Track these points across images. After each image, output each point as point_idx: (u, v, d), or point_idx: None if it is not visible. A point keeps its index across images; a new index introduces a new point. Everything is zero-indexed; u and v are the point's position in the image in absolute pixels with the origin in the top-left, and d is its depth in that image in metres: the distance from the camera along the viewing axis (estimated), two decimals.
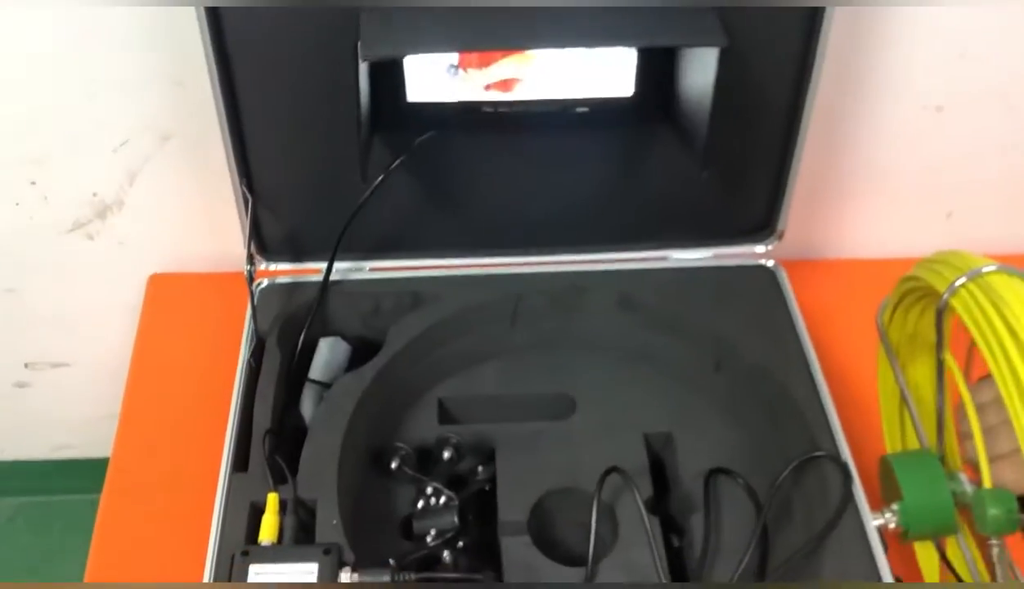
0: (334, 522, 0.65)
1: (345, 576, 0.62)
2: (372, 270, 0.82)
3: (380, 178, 0.74)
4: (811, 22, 0.69)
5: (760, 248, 0.80)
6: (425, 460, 0.76)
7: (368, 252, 0.81)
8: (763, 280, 0.81)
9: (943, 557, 0.71)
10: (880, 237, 0.99)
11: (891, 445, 0.81)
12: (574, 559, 0.71)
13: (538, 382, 0.81)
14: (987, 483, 0.60)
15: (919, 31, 0.84)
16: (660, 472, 0.78)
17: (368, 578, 0.62)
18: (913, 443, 0.77)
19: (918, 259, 0.68)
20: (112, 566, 0.77)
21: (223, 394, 0.75)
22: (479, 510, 0.75)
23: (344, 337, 0.79)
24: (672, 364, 0.80)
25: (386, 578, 0.62)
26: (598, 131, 0.74)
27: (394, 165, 0.74)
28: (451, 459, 0.74)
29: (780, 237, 0.80)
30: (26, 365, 1.15)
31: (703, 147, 0.67)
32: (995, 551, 0.60)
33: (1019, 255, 1.05)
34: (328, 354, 0.77)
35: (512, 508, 0.73)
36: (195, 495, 0.70)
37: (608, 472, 0.71)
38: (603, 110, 0.73)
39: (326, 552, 0.62)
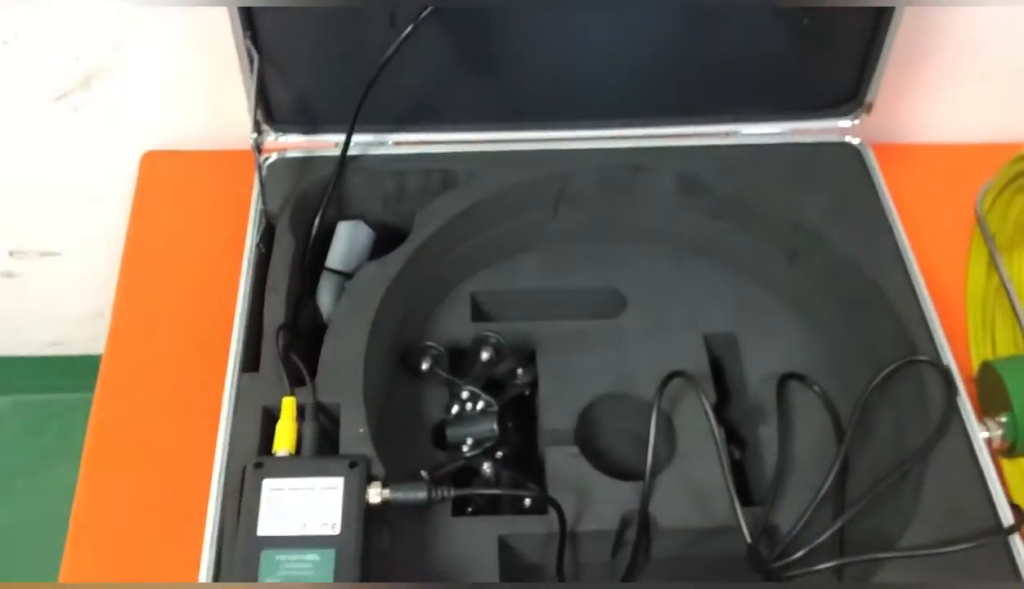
0: (360, 430, 0.57)
1: (374, 492, 0.54)
2: (396, 144, 0.71)
3: (408, 30, 0.62)
4: None
5: (845, 123, 0.70)
6: (458, 361, 0.67)
7: (392, 123, 0.70)
8: (847, 160, 0.70)
9: None
10: (977, 120, 0.88)
11: (977, 350, 0.72)
12: (625, 473, 0.63)
13: (584, 276, 0.72)
14: None
15: None
16: (719, 378, 0.69)
17: (401, 494, 0.54)
18: (1006, 349, 0.69)
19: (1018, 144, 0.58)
20: (106, 480, 0.69)
21: (228, 285, 0.66)
22: (517, 417, 0.67)
23: (364, 222, 0.69)
24: (738, 256, 0.71)
25: (422, 494, 0.54)
26: None
27: (423, 15, 0.62)
28: (490, 360, 0.65)
29: (868, 110, 0.69)
30: (11, 253, 1.05)
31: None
32: None
33: None
34: (348, 239, 0.67)
35: (556, 415, 0.65)
36: (199, 400, 0.61)
37: (671, 377, 0.62)
38: None
39: (352, 465, 0.54)
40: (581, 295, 0.72)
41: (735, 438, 0.67)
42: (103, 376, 0.76)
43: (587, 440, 0.65)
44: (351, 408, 0.57)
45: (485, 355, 0.65)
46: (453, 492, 0.56)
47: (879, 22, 0.64)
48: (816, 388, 0.65)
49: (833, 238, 0.65)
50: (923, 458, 0.55)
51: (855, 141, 0.71)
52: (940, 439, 0.56)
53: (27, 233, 1.03)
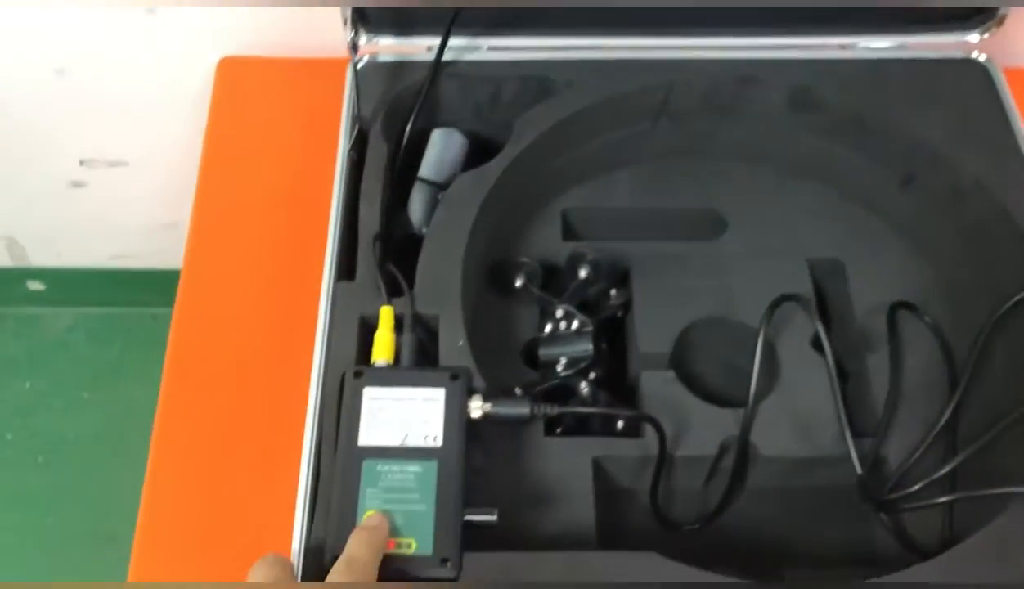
0: (460, 343, 0.55)
1: (476, 405, 0.52)
2: (491, 50, 0.68)
3: None
4: None
5: (972, 37, 0.65)
6: (549, 280, 0.65)
7: (488, 27, 0.67)
8: (973, 78, 0.66)
9: None
10: None
11: None
12: (721, 400, 0.61)
13: (682, 195, 0.69)
14: None
15: None
16: (821, 306, 0.66)
17: (503, 409, 0.52)
18: None
19: None
20: (189, 393, 0.67)
21: (313, 195, 0.64)
22: (609, 340, 0.64)
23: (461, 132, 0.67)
24: (847, 179, 0.67)
25: (524, 410, 0.52)
26: None
27: None
28: (587, 279, 0.62)
29: (1000, 23, 0.64)
30: (81, 162, 1.04)
31: None
32: None
33: None
34: (441, 147, 0.65)
35: (652, 338, 0.63)
36: (288, 311, 0.60)
37: (781, 300, 0.59)
38: None
39: (454, 377, 0.52)
40: (679, 215, 0.69)
41: (840, 369, 0.64)
42: (183, 289, 0.74)
43: (683, 365, 0.63)
44: (450, 320, 0.55)
45: (583, 273, 0.62)
46: (556, 409, 0.54)
47: None
48: (927, 319, 0.62)
49: (955, 160, 0.61)
50: None
51: (982, 58, 0.66)
52: None
53: (97, 142, 1.02)
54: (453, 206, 0.60)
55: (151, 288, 1.23)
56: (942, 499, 0.53)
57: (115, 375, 1.29)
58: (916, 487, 0.53)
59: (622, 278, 0.66)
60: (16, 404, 1.27)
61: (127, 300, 1.30)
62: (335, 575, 0.43)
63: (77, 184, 1.07)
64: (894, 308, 0.63)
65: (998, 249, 0.60)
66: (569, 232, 0.69)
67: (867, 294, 0.64)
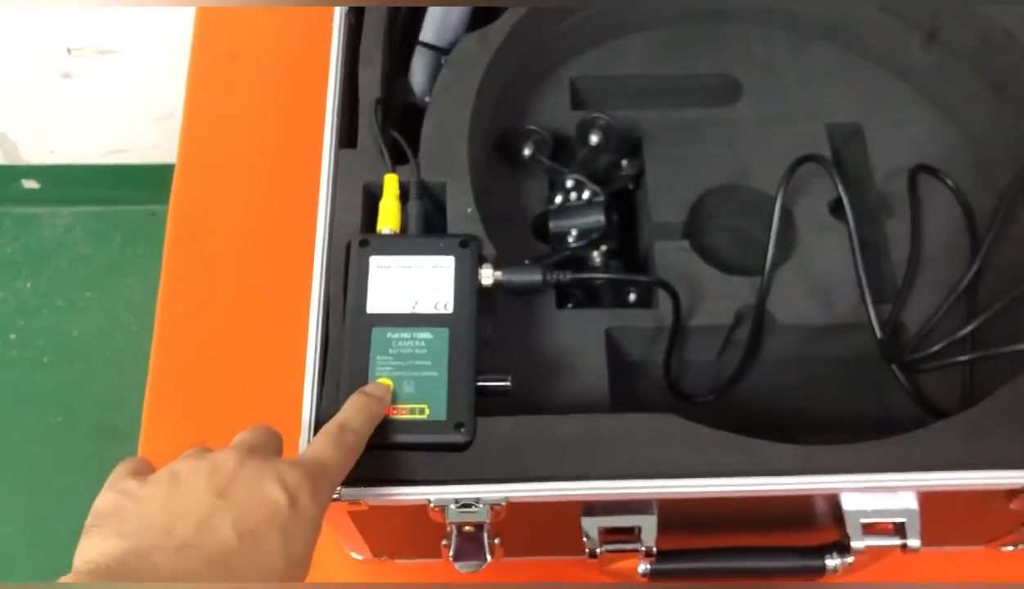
0: (468, 210, 0.53)
1: (487, 273, 0.50)
2: None
3: None
4: None
5: None
6: (559, 151, 0.63)
7: None
8: None
9: None
10: None
11: None
12: (737, 268, 0.59)
13: (694, 60, 0.66)
14: None
15: None
16: (841, 171, 0.64)
17: (515, 276, 0.51)
18: None
19: None
20: (189, 281, 0.66)
21: (311, 65, 0.61)
22: (621, 212, 0.62)
23: None
24: (866, 38, 0.64)
25: (536, 277, 0.51)
26: None
27: None
28: (598, 146, 0.60)
29: None
30: (68, 51, 1.01)
31: None
32: None
33: None
34: (443, 10, 0.61)
35: (665, 208, 0.61)
36: (290, 184, 0.58)
37: (801, 161, 0.57)
38: None
39: (463, 244, 0.51)
40: (691, 81, 0.66)
41: (863, 235, 0.62)
42: (180, 174, 0.71)
43: (697, 234, 0.62)
44: (457, 187, 0.53)
45: (594, 139, 0.60)
46: (570, 275, 0.52)
47: None
48: (949, 182, 0.60)
49: (984, 9, 0.58)
50: None
51: None
52: None
53: (84, 29, 0.98)
54: (457, 69, 0.57)
55: (148, 184, 1.21)
56: (963, 358, 0.52)
57: (115, 273, 1.28)
58: (937, 347, 0.52)
59: (634, 148, 0.64)
60: (18, 304, 1.26)
61: (124, 198, 1.28)
62: (325, 436, 0.42)
63: (66, 75, 1.04)
64: (914, 172, 0.61)
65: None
66: (578, 100, 0.66)
67: (887, 158, 0.62)
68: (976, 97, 0.61)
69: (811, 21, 0.65)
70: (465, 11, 0.61)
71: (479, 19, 0.61)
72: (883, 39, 0.64)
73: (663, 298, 0.56)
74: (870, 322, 0.55)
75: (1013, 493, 0.46)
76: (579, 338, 0.56)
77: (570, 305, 0.58)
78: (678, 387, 0.58)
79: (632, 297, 0.59)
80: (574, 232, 0.59)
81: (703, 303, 0.58)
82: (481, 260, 0.51)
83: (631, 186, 0.64)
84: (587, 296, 0.60)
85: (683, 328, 0.57)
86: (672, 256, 0.59)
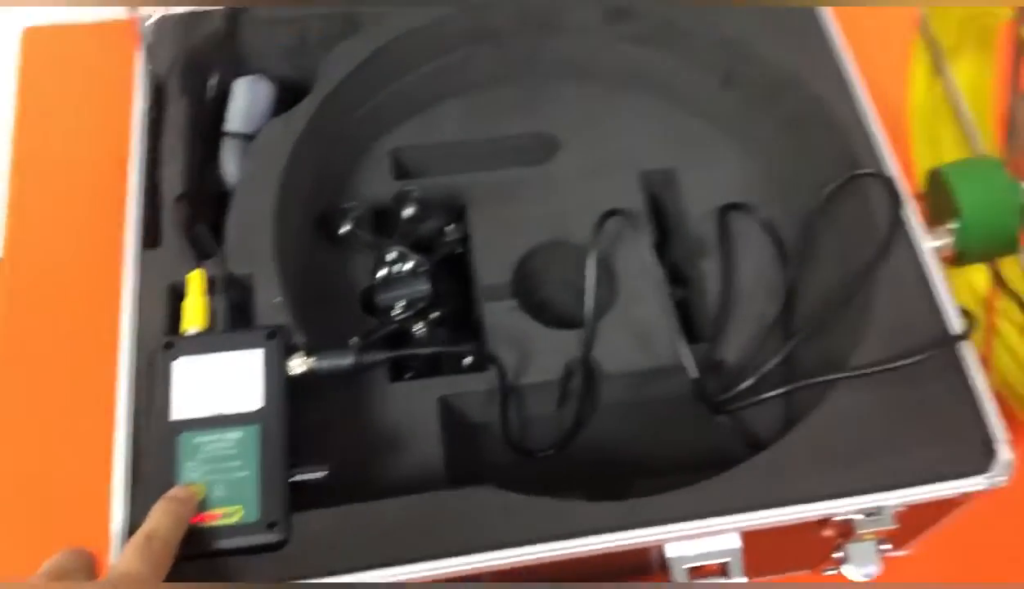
0: (276, 299, 0.52)
1: (297, 362, 0.50)
2: None
3: None
4: None
5: None
6: (383, 222, 0.63)
7: None
8: None
9: (997, 278, 0.61)
10: None
11: (922, 164, 0.69)
12: (568, 322, 0.60)
13: (511, 121, 0.67)
14: None
15: None
16: (660, 216, 0.66)
17: (325, 362, 0.51)
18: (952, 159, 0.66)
19: None
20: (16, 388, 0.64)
21: (120, 162, 0.60)
22: (451, 277, 0.63)
23: (265, 78, 0.64)
24: (671, 85, 0.66)
25: (348, 360, 0.51)
26: None
27: None
28: (414, 216, 0.61)
29: None
30: None
31: None
32: None
33: None
34: (247, 97, 0.61)
35: (492, 270, 0.62)
36: (100, 287, 0.57)
37: (608, 215, 0.58)
38: None
39: (270, 335, 0.50)
40: (510, 142, 0.67)
41: (680, 277, 0.64)
42: (4, 273, 0.70)
43: (526, 293, 0.62)
44: (265, 277, 0.53)
45: (408, 211, 0.60)
46: (382, 355, 0.53)
47: None
48: (758, 216, 0.63)
49: (766, 53, 0.61)
50: (870, 275, 0.53)
51: None
52: (887, 253, 0.53)
53: None
54: (260, 156, 0.57)
55: None
56: (773, 393, 0.53)
57: None
58: (748, 383, 0.53)
59: (459, 213, 0.64)
60: None
61: None
62: (132, 548, 0.41)
63: None
64: (724, 210, 0.63)
65: (815, 139, 0.60)
66: (402, 171, 0.66)
67: (701, 199, 0.64)
68: (772, 135, 0.63)
69: (619, 72, 0.67)
70: (270, 98, 0.61)
71: (291, 104, 0.62)
72: (687, 85, 0.66)
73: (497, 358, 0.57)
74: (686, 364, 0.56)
75: (823, 523, 0.48)
76: (412, 409, 0.56)
77: (408, 375, 0.58)
78: (518, 444, 0.58)
79: (467, 361, 0.60)
80: (401, 303, 0.59)
81: (533, 360, 0.58)
82: (292, 349, 0.51)
83: (459, 250, 0.64)
84: (426, 364, 0.60)
85: (517, 388, 0.57)
86: (502, 317, 0.60)
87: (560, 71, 0.67)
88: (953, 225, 0.55)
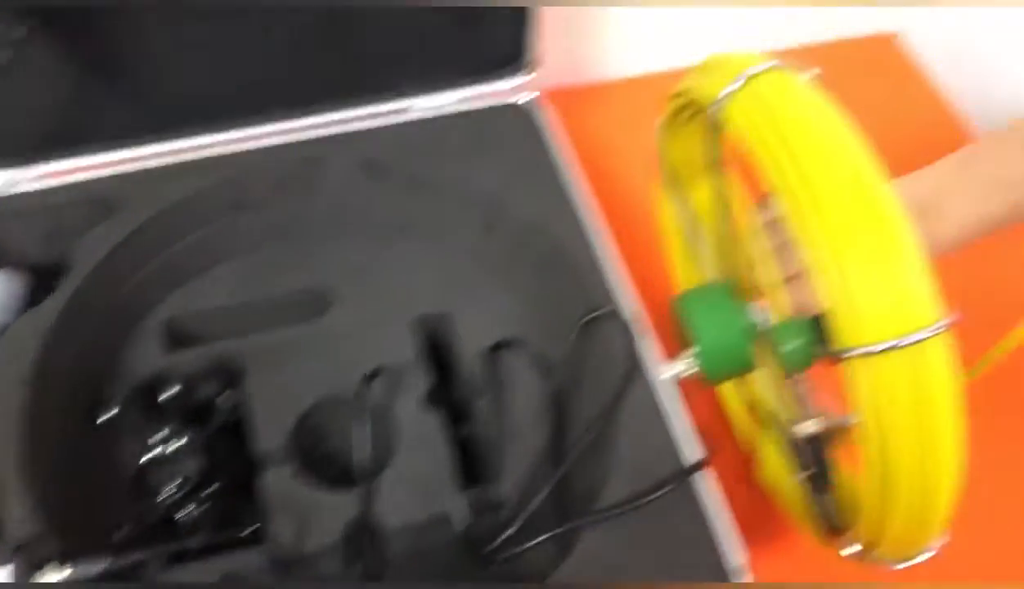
0: (21, 511, 0.51)
1: (50, 575, 0.49)
2: (41, 177, 0.64)
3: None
4: None
5: (515, 82, 0.68)
6: (153, 399, 0.62)
7: (31, 153, 0.63)
8: (522, 120, 0.69)
9: (742, 400, 0.65)
10: (659, 47, 0.90)
11: (687, 286, 0.74)
12: (350, 480, 0.61)
13: (284, 279, 0.68)
14: (778, 310, 0.54)
15: None
16: (439, 357, 0.68)
17: (80, 570, 0.50)
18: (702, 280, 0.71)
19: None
20: None
21: None
22: (231, 445, 0.63)
23: (20, 269, 0.63)
24: (438, 232, 0.69)
25: (97, 568, 0.50)
26: None
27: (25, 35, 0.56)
28: (179, 394, 0.61)
29: (535, 68, 0.68)
30: None
31: None
32: (798, 387, 0.54)
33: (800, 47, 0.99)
34: None
35: (270, 434, 0.62)
36: None
37: (372, 376, 0.60)
38: None
39: (17, 549, 0.49)
40: (283, 301, 0.68)
41: (464, 417, 0.66)
42: None
43: (305, 455, 0.62)
44: (13, 483, 0.52)
45: (173, 390, 0.60)
46: (144, 554, 0.52)
47: None
48: (527, 354, 0.65)
49: (514, 204, 0.65)
50: (612, 413, 0.56)
51: (526, 99, 0.69)
52: (626, 390, 0.57)
53: None
54: (6, 354, 0.56)
55: None
56: (530, 544, 0.54)
57: None
58: (510, 532, 0.55)
59: (234, 378, 0.65)
60: None
61: None
62: None
63: None
64: (494, 348, 0.65)
65: (563, 282, 0.64)
66: (176, 341, 0.66)
67: (475, 339, 0.66)
68: (532, 276, 0.66)
69: (387, 225, 0.69)
70: (21, 291, 0.61)
71: (48, 290, 0.61)
72: (453, 232, 0.69)
73: (275, 527, 0.57)
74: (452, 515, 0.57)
75: None
76: None
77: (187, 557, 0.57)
78: None
79: (248, 532, 0.59)
80: (173, 485, 0.59)
81: (315, 525, 0.58)
82: (44, 561, 0.49)
83: (236, 418, 0.64)
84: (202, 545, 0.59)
85: (301, 554, 0.57)
86: (281, 483, 0.60)
87: (329, 226, 0.69)
88: (693, 351, 0.58)
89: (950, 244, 0.64)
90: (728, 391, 0.69)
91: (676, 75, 0.57)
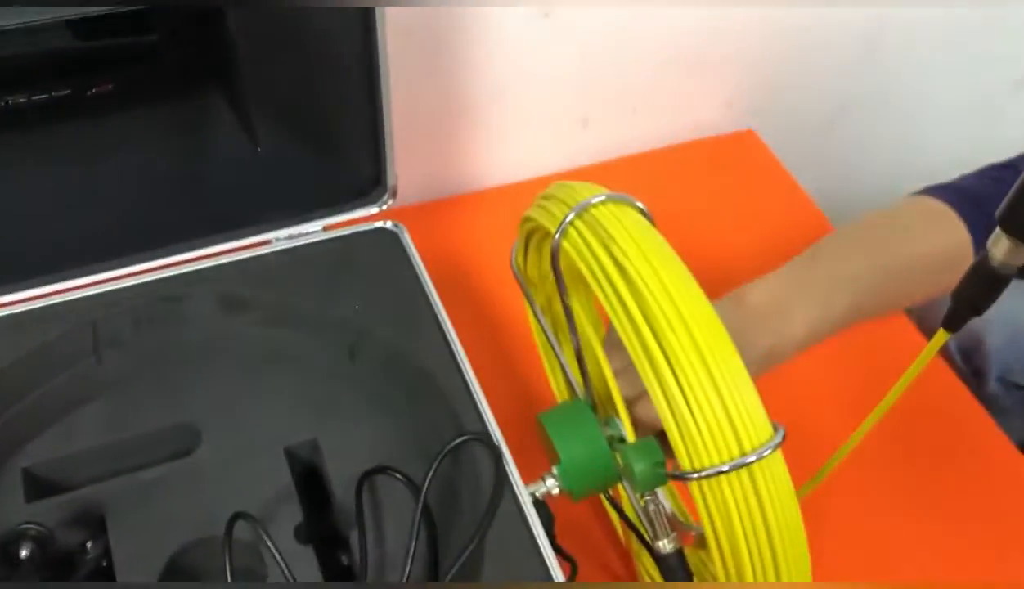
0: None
1: None
2: None
3: None
4: None
5: (374, 208, 0.70)
6: (11, 555, 0.60)
7: None
8: (385, 244, 0.70)
9: (618, 510, 0.66)
10: (518, 158, 0.94)
11: (561, 398, 0.75)
12: None
13: (149, 418, 0.67)
14: (629, 433, 0.56)
15: None
16: (314, 486, 0.67)
17: None
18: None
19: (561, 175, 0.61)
20: None
21: None
22: None
23: None
24: (306, 360, 0.69)
25: None
26: (139, 109, 0.59)
27: None
28: (31, 556, 0.59)
29: (393, 194, 0.69)
30: None
31: (252, 119, 0.55)
32: (651, 507, 0.56)
33: (661, 148, 1.05)
34: None
35: (137, 580, 0.60)
36: None
37: (233, 520, 0.59)
38: (136, 85, 0.57)
39: None
40: (150, 440, 0.67)
41: (338, 548, 0.65)
42: None
43: None
44: None
45: (24, 552, 0.58)
46: None
47: (373, 107, 0.65)
48: (398, 476, 0.65)
49: (379, 329, 0.66)
50: (482, 530, 0.56)
51: (388, 224, 0.71)
52: (496, 508, 0.57)
53: None
54: None
55: None
56: None
57: None
58: None
59: (100, 525, 0.63)
60: None
61: None
62: None
63: None
64: (366, 475, 0.65)
65: (430, 407, 0.64)
66: (38, 488, 0.64)
67: (347, 466, 0.66)
68: (400, 402, 0.67)
69: (252, 356, 0.69)
70: None
71: None
72: (320, 360, 0.69)
73: None
74: None
75: None
76: None
77: None
78: None
79: None
80: None
81: None
82: None
83: (104, 563, 0.62)
84: None
85: None
86: None
87: (193, 362, 0.69)
88: (555, 469, 0.59)
89: (799, 345, 0.68)
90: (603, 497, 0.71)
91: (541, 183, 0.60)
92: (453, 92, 0.86)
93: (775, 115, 1.10)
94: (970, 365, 1.01)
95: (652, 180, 1.02)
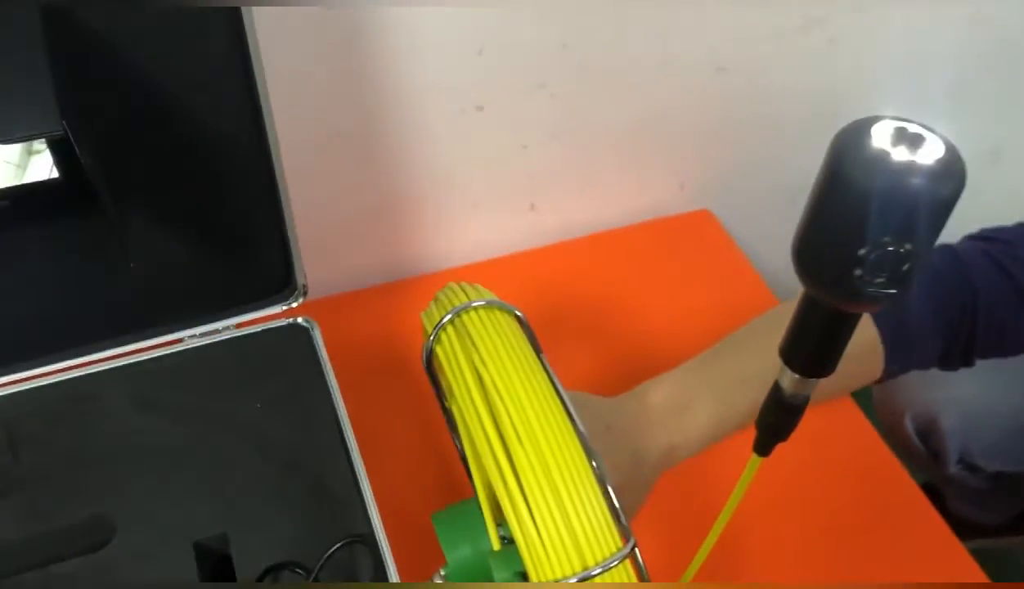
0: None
1: None
2: None
3: None
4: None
5: (284, 306, 0.71)
6: None
7: None
8: (297, 341, 0.72)
9: None
10: (467, 244, 0.95)
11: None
12: None
13: (59, 515, 0.68)
14: (494, 541, 0.56)
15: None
16: (230, 575, 0.68)
17: None
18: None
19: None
20: None
21: None
22: None
23: None
24: (217, 456, 0.70)
25: None
26: (42, 222, 0.62)
27: None
28: None
29: (305, 292, 0.71)
30: None
31: (157, 228, 0.57)
32: None
33: (612, 230, 1.06)
34: None
35: None
36: None
37: None
38: (33, 201, 0.59)
39: None
40: (66, 533, 0.68)
41: None
42: None
43: None
44: None
45: None
46: None
47: (277, 217, 0.67)
48: (299, 571, 0.66)
49: (280, 432, 0.67)
50: None
51: (300, 320, 0.72)
52: None
53: None
54: None
55: None
56: None
57: None
58: None
59: None
60: None
61: None
62: None
63: None
64: (268, 571, 0.65)
65: (326, 511, 0.65)
66: None
67: (254, 560, 0.67)
68: (302, 502, 0.67)
69: (166, 451, 0.70)
70: None
71: None
72: (228, 456, 0.70)
73: None
74: None
75: None
76: None
77: None
78: None
79: None
80: None
81: None
82: None
83: None
84: None
85: None
86: None
87: (105, 457, 0.70)
88: (443, 570, 0.59)
89: (701, 442, 0.67)
90: None
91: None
92: (401, 181, 0.88)
93: (733, 194, 1.11)
94: (928, 447, 0.99)
95: (605, 260, 1.03)
